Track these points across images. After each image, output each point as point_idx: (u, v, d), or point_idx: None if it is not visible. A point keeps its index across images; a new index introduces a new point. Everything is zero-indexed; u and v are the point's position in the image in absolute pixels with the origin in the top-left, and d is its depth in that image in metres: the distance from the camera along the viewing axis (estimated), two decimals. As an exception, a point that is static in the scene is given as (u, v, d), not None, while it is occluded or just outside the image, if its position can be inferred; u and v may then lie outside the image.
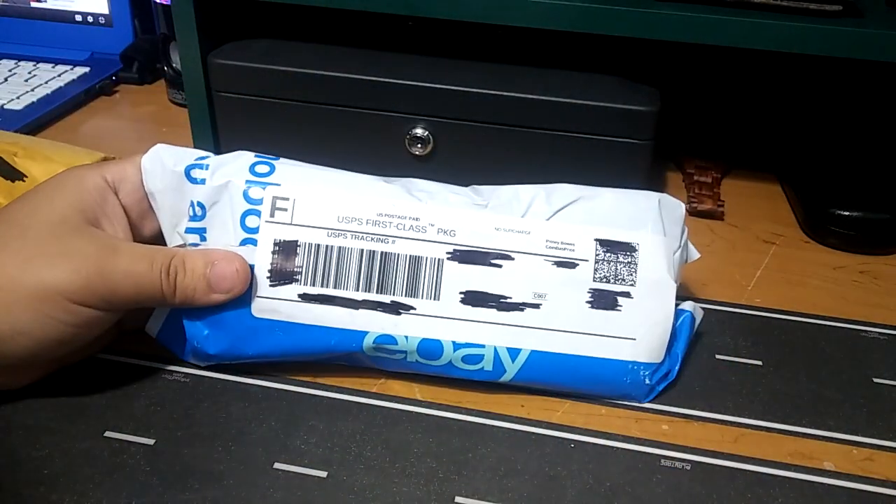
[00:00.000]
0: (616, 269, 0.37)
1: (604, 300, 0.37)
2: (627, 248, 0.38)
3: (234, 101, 0.54)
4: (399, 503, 0.32)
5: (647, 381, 0.37)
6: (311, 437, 0.35)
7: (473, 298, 0.37)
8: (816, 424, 0.37)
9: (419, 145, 0.53)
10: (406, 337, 0.36)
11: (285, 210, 0.37)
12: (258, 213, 0.37)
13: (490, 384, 0.38)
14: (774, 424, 0.37)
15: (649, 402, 0.38)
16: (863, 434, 0.37)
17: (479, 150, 0.52)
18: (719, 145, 0.62)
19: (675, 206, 0.40)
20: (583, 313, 0.37)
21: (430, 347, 0.36)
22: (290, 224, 0.37)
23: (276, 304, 0.36)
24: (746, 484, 0.34)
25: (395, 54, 0.55)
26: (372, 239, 0.37)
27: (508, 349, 0.37)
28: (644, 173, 0.52)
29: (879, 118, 0.62)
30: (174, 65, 0.66)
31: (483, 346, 0.36)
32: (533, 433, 0.36)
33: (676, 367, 0.39)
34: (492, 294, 0.37)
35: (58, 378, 0.37)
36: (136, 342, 0.39)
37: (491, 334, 0.37)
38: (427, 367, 0.37)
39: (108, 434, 0.35)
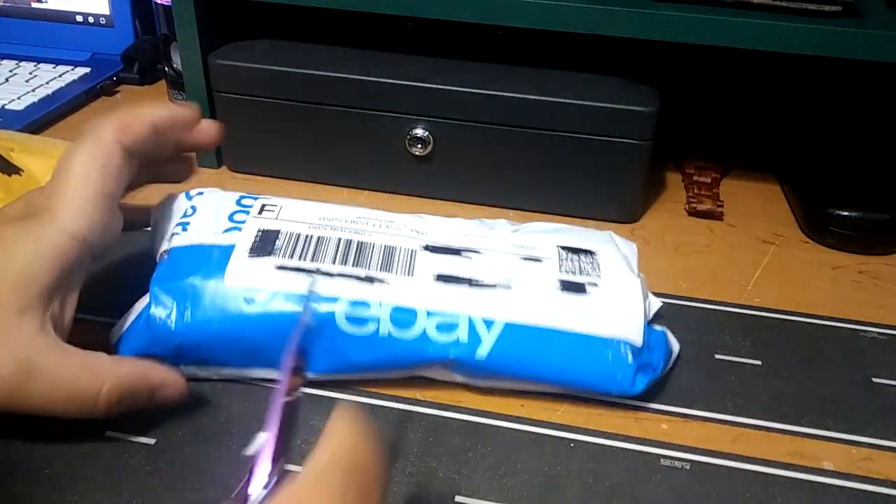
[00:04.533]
0: (580, 266, 0.39)
1: (572, 287, 0.38)
2: (587, 252, 0.40)
3: (234, 101, 0.55)
4: (399, 503, 0.32)
5: (630, 360, 0.36)
6: (311, 436, 0.35)
7: (446, 279, 0.38)
8: (816, 424, 0.37)
9: (419, 145, 0.53)
10: (380, 302, 0.36)
11: (272, 211, 0.40)
12: (247, 212, 0.40)
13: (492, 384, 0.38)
14: (774, 424, 0.37)
15: (639, 395, 0.37)
16: (862, 434, 0.37)
17: (479, 150, 0.53)
18: (719, 145, 0.63)
19: (630, 243, 0.43)
20: (554, 294, 0.38)
21: (403, 314, 0.36)
22: (276, 220, 0.39)
23: (251, 273, 0.36)
24: (746, 483, 0.34)
25: (395, 54, 0.55)
26: (350, 231, 0.39)
27: (483, 319, 0.36)
28: (643, 173, 0.52)
29: (879, 118, 0.62)
30: (175, 65, 0.66)
31: (457, 315, 0.36)
32: (533, 433, 0.36)
33: (660, 367, 0.38)
34: (463, 277, 0.38)
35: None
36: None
37: (464, 304, 0.37)
38: (400, 345, 0.36)
39: (108, 434, 0.35)
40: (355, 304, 0.36)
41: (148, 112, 0.36)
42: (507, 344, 0.36)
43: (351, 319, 0.36)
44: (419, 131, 0.52)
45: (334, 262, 0.37)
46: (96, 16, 0.75)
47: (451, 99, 0.51)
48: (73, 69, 0.71)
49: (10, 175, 0.47)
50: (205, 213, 0.39)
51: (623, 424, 0.37)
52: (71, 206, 0.33)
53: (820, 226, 0.52)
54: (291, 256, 0.37)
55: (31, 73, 0.70)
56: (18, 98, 0.65)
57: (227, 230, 0.38)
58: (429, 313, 0.36)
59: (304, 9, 0.52)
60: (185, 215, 0.39)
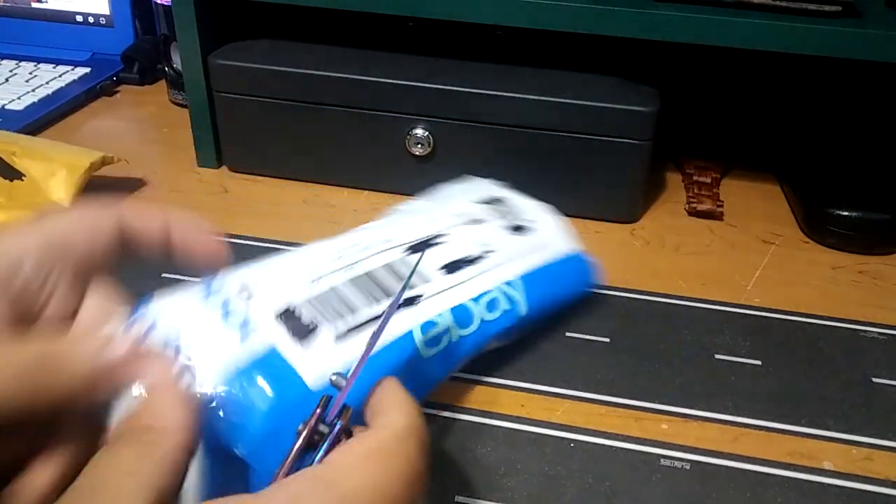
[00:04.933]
0: (504, 212, 0.44)
1: (520, 230, 0.43)
2: (497, 200, 0.45)
3: (234, 101, 0.55)
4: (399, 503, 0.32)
5: (589, 260, 0.44)
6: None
7: (449, 268, 0.39)
8: (816, 424, 0.37)
9: (419, 145, 0.53)
10: (439, 314, 0.36)
11: (252, 290, 0.33)
12: (228, 309, 0.32)
13: (493, 384, 0.38)
14: (774, 424, 0.37)
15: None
16: (862, 434, 0.37)
17: (479, 150, 0.53)
18: (719, 145, 0.63)
19: (483, 180, 0.47)
20: (519, 240, 0.42)
21: (461, 313, 0.37)
22: (271, 299, 0.33)
23: (323, 361, 0.31)
24: (746, 483, 0.34)
25: (395, 55, 0.55)
26: (342, 272, 0.35)
27: (506, 282, 0.39)
28: (643, 173, 0.52)
29: (879, 118, 0.62)
30: (175, 65, 0.66)
31: (490, 290, 0.38)
32: (533, 433, 0.36)
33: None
34: (457, 260, 0.39)
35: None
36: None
37: (486, 281, 0.39)
38: (468, 341, 0.37)
39: (108, 434, 0.35)
40: (425, 327, 0.35)
41: (170, 211, 0.30)
42: (530, 293, 0.40)
43: (429, 342, 0.35)
44: (419, 131, 0.52)
45: (371, 304, 0.34)
46: (96, 16, 0.75)
47: (451, 99, 0.51)
48: (73, 69, 0.71)
49: (11, 180, 0.47)
50: (192, 335, 0.30)
51: (623, 424, 0.37)
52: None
53: (820, 226, 0.52)
54: (335, 321, 0.33)
55: (31, 73, 0.70)
56: (18, 98, 0.65)
57: (243, 338, 0.31)
58: (474, 300, 0.38)
59: (304, 9, 0.52)
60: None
